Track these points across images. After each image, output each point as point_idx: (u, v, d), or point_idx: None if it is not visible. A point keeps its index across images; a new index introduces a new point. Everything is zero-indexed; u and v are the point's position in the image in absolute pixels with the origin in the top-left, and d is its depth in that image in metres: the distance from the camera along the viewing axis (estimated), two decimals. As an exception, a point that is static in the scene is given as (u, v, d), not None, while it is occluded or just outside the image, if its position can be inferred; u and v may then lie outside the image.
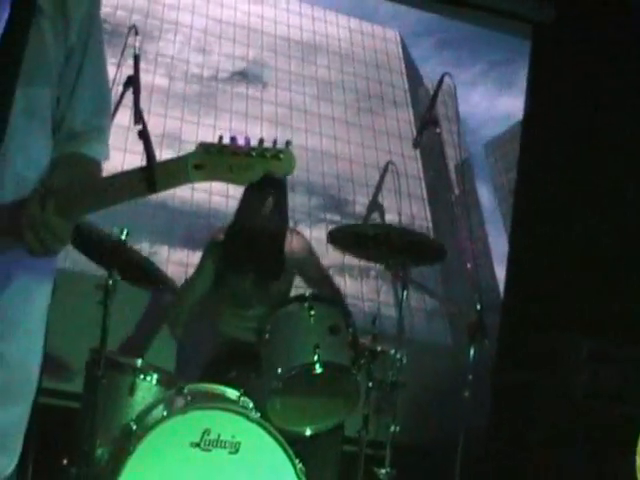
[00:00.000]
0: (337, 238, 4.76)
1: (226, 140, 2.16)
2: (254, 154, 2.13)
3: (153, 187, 2.15)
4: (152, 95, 6.15)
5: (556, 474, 5.53)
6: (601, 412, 5.42)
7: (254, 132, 5.88)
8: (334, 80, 6.97)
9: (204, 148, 2.14)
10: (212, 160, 2.13)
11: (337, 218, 6.46)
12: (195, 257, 5.49)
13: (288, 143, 2.18)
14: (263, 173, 2.15)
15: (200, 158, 2.13)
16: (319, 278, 5.16)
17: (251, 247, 4.93)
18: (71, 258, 4.64)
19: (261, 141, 2.16)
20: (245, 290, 4.97)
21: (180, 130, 6.20)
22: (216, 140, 2.16)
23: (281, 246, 5.01)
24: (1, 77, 2.23)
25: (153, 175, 2.14)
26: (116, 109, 4.05)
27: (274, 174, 2.17)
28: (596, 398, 5.51)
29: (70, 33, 2.38)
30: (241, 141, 2.16)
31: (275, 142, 2.17)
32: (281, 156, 2.15)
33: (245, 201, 4.97)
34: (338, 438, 4.66)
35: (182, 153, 2.17)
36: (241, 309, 5.01)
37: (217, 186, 6.02)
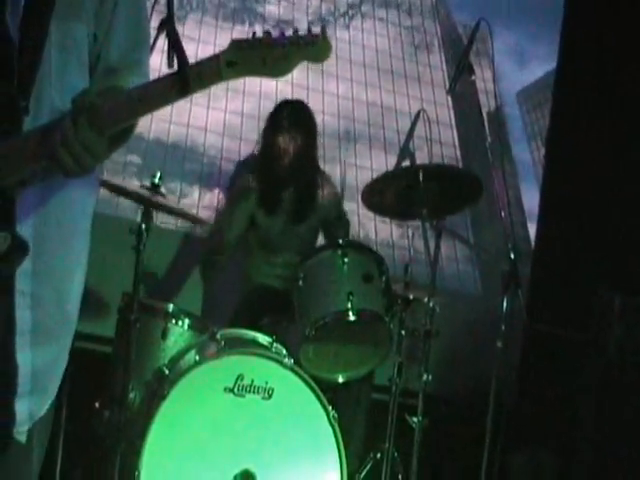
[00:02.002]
0: (369, 197, 4.67)
1: (259, 35, 2.10)
2: (288, 42, 2.06)
3: (187, 89, 2.09)
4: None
5: (586, 425, 5.49)
6: (633, 367, 5.36)
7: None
8: (366, 26, 6.87)
9: (236, 44, 2.07)
10: (245, 55, 2.06)
11: (367, 164, 6.39)
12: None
13: (323, 28, 2.10)
14: (299, 61, 2.07)
15: (232, 55, 2.07)
16: (335, 221, 5.13)
17: (283, 186, 4.90)
18: (102, 201, 4.61)
19: (295, 30, 2.08)
20: (275, 233, 4.94)
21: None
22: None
23: (312, 188, 4.97)
24: (36, 11, 2.20)
25: (186, 76, 2.08)
26: (154, 44, 3.98)
27: (310, 61, 2.09)
28: (628, 353, 5.45)
29: None
30: (275, 33, 2.09)
31: (309, 29, 2.10)
32: (317, 41, 2.06)
33: (271, 143, 4.91)
34: (369, 385, 4.66)
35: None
36: (271, 254, 4.99)
37: (248, 133, 5.98)
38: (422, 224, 5.37)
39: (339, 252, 4.28)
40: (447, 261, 6.30)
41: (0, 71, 2.17)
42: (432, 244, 4.69)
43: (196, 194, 5.89)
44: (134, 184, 4.61)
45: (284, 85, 5.72)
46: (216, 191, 5.99)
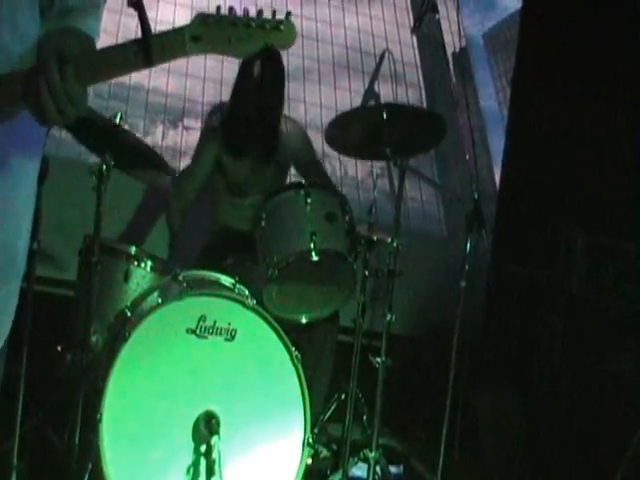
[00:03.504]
0: (333, 134, 4.65)
1: (224, 11, 2.08)
2: (253, 25, 2.06)
3: (150, 60, 2.08)
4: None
5: (550, 363, 5.55)
6: (596, 304, 5.41)
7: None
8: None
9: (201, 19, 2.07)
10: (210, 31, 2.06)
11: (332, 104, 6.36)
12: (189, 139, 5.44)
13: (288, 14, 2.10)
14: (263, 45, 2.08)
15: (197, 30, 2.06)
16: (311, 165, 5.12)
17: (248, 129, 4.87)
18: (63, 144, 4.56)
19: (260, 12, 2.09)
20: (242, 176, 4.92)
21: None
22: (214, 11, 2.08)
23: (276, 130, 4.95)
24: None
25: (149, 47, 2.07)
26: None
27: (274, 46, 2.09)
28: (591, 290, 5.50)
29: None
30: (240, 12, 2.08)
31: (274, 13, 2.09)
32: (281, 27, 2.07)
33: (241, 78, 4.88)
34: (334, 326, 4.67)
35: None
36: (237, 197, 4.98)
37: (211, 72, 5.94)
38: (387, 164, 5.36)
39: (302, 192, 4.27)
40: (412, 202, 6.30)
41: None
42: (397, 184, 4.67)
43: (160, 132, 5.85)
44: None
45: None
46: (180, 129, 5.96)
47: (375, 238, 4.48)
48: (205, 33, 2.06)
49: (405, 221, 5.18)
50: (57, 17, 2.35)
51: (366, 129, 4.48)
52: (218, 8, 2.08)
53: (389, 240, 4.44)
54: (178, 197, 4.97)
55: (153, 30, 2.12)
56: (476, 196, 4.58)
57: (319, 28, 6.39)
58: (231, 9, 2.08)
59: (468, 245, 4.50)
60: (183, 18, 2.10)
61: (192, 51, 2.08)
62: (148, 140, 5.47)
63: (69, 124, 2.13)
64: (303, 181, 4.43)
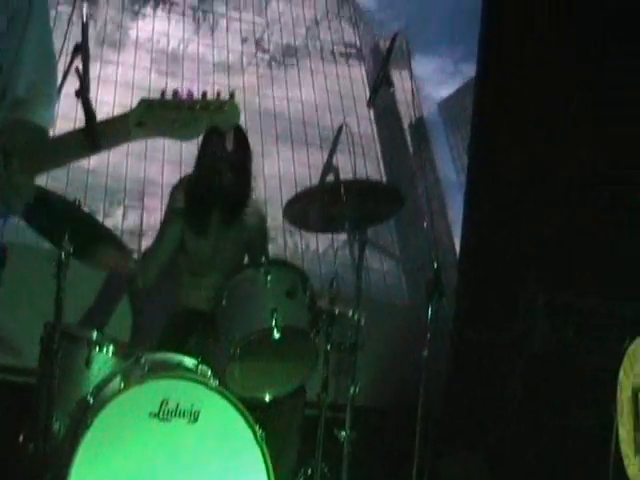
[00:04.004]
0: (292, 211, 4.71)
1: (168, 95, 2.12)
2: (197, 107, 2.10)
3: (95, 146, 2.12)
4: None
5: (513, 424, 5.57)
6: (558, 362, 5.45)
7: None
8: (285, 41, 6.91)
9: (146, 104, 2.11)
10: (154, 116, 2.10)
11: (291, 180, 6.42)
12: (149, 220, 5.45)
13: (232, 95, 2.14)
14: (207, 127, 2.11)
15: (142, 115, 2.10)
16: (260, 247, 5.12)
17: (214, 204, 4.88)
18: (22, 230, 4.58)
19: (204, 94, 2.13)
20: (204, 255, 4.93)
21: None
22: (159, 96, 2.13)
23: (241, 204, 4.96)
24: None
25: (95, 134, 2.11)
26: (64, 78, 3.97)
27: (218, 127, 2.13)
28: (555, 349, 5.54)
29: None
30: (184, 95, 2.11)
31: (219, 94, 2.13)
32: (225, 108, 2.11)
33: (204, 149, 4.89)
34: (300, 402, 4.66)
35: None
36: (199, 277, 4.98)
37: (170, 153, 5.99)
38: (347, 236, 5.40)
39: (261, 270, 4.30)
40: (374, 272, 6.36)
41: None
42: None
43: (119, 214, 5.88)
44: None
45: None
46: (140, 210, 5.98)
47: (337, 312, 4.50)
48: (150, 118, 2.10)
49: (367, 291, 5.21)
50: (9, 109, 2.39)
51: (324, 206, 4.54)
52: (162, 92, 2.12)
53: (351, 313, 4.47)
54: (142, 276, 4.96)
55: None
56: (436, 265, 4.62)
57: (276, 103, 6.47)
58: (175, 92, 2.12)
59: (429, 313, 4.54)
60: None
61: (137, 136, 2.13)
62: (108, 222, 5.49)
63: (18, 212, 2.16)
64: (263, 259, 4.45)
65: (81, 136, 2.12)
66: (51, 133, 2.49)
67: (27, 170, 2.12)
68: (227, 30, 6.74)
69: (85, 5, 3.90)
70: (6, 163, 2.09)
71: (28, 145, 2.19)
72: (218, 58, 6.55)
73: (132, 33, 6.64)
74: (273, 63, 6.82)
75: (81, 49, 3.85)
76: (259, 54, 6.87)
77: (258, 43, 6.92)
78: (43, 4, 2.46)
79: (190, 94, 2.12)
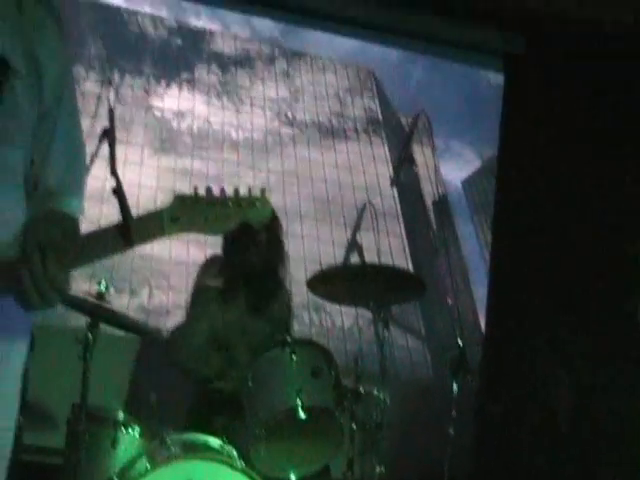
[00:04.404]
0: (316, 286, 4.76)
1: (201, 191, 2.17)
2: (230, 204, 2.15)
3: (130, 242, 2.16)
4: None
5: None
6: (587, 438, 5.42)
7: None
8: (309, 118, 7.00)
9: (180, 200, 2.15)
10: (187, 212, 2.14)
11: (316, 258, 6.46)
12: (175, 298, 5.49)
13: (263, 191, 2.18)
14: (239, 222, 2.15)
15: (176, 211, 2.15)
16: (286, 322, 5.17)
17: (247, 284, 4.93)
18: (49, 311, 4.63)
19: (236, 190, 2.17)
20: (230, 333, 4.96)
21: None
22: (191, 191, 2.17)
23: (273, 282, 5.02)
24: None
25: (129, 231, 2.16)
26: (91, 162, 4.05)
27: (250, 222, 2.17)
28: (580, 425, 5.51)
29: (44, 92, 2.39)
30: (216, 191, 2.16)
31: (250, 190, 2.18)
32: (257, 204, 2.16)
33: (236, 238, 4.95)
34: (326, 481, 4.65)
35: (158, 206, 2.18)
36: (225, 354, 4.99)
37: (195, 235, 6.03)
38: (372, 314, 5.43)
39: (287, 350, 4.31)
40: (399, 347, 6.36)
41: None
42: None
43: (146, 293, 5.93)
44: (81, 291, 4.63)
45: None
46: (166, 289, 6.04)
47: (362, 390, 4.51)
48: (183, 214, 2.15)
49: (392, 367, 5.22)
50: (42, 199, 2.44)
51: (349, 284, 4.59)
52: (195, 189, 2.17)
53: (376, 392, 4.47)
54: (173, 352, 4.99)
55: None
56: (460, 343, 4.63)
57: (300, 182, 6.55)
58: (209, 189, 2.17)
59: (454, 390, 4.54)
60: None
61: (171, 231, 2.17)
62: (134, 301, 5.54)
63: (53, 305, 2.20)
64: (288, 338, 4.47)
65: (116, 232, 2.17)
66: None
67: (62, 264, 2.16)
68: (252, 106, 6.83)
69: (112, 90, 3.98)
70: (42, 257, 2.13)
71: (63, 239, 2.23)
72: (243, 136, 6.63)
73: (157, 114, 6.74)
74: (297, 142, 6.90)
75: (108, 134, 3.93)
76: (283, 129, 6.94)
77: (282, 120, 7.00)
78: (72, 99, 2.52)
79: (223, 190, 2.17)
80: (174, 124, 6.39)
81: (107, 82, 3.89)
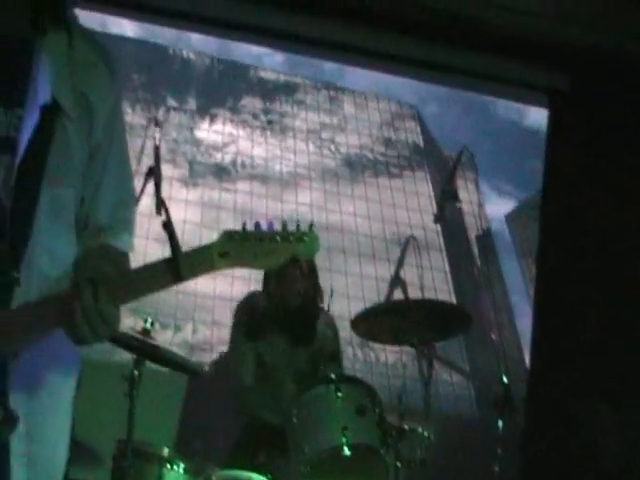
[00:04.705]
0: (360, 325, 4.77)
1: (250, 226, 2.18)
2: (278, 239, 2.15)
3: (179, 277, 2.18)
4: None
5: None
6: (633, 476, 5.35)
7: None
8: (352, 155, 7.03)
9: (228, 236, 2.17)
10: (236, 247, 2.15)
11: (359, 294, 6.46)
12: (219, 334, 5.51)
13: (311, 225, 2.19)
14: (287, 257, 2.16)
15: (224, 246, 2.16)
16: (333, 355, 5.18)
17: (288, 315, 4.96)
18: (95, 346, 4.66)
19: (284, 225, 2.18)
20: (275, 362, 4.98)
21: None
22: (239, 227, 2.19)
23: (314, 315, 5.05)
24: (27, 179, 2.27)
25: (178, 266, 2.17)
26: (138, 199, 4.09)
27: (298, 257, 2.18)
28: (627, 464, 5.45)
29: (94, 132, 2.42)
30: (264, 226, 2.17)
31: (298, 225, 2.19)
32: (305, 239, 2.16)
33: (279, 276, 4.99)
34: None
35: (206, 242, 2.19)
36: (271, 388, 5.01)
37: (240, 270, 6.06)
38: (415, 350, 5.41)
39: (332, 387, 4.30)
40: (444, 386, 6.34)
41: None
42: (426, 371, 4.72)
43: (190, 328, 5.96)
44: (126, 327, 4.67)
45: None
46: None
47: (406, 427, 4.49)
48: (232, 249, 2.16)
49: (436, 404, 5.20)
50: (92, 236, 2.47)
51: (393, 321, 4.58)
52: (244, 224, 2.19)
53: (420, 429, 4.45)
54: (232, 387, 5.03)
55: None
56: (505, 380, 4.60)
57: (344, 219, 6.56)
58: (257, 224, 2.18)
59: (499, 427, 4.50)
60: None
61: (219, 266, 2.18)
62: (178, 337, 5.56)
63: (105, 340, 2.22)
64: (333, 375, 4.47)
65: (166, 267, 2.19)
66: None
67: (113, 299, 2.18)
68: (295, 138, 6.87)
69: (158, 130, 4.04)
70: (94, 291, 2.15)
71: (114, 274, 2.26)
72: (286, 169, 6.67)
73: (201, 147, 6.79)
74: (340, 176, 6.92)
75: (154, 172, 3.99)
76: (325, 162, 6.97)
77: (324, 153, 7.03)
78: (121, 138, 2.56)
79: (271, 225, 2.18)
80: (218, 157, 6.44)
81: (153, 120, 3.95)
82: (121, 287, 2.22)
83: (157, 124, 4.08)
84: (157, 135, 4.02)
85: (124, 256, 2.52)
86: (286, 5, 5.40)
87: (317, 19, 5.57)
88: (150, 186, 4.03)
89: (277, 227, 2.19)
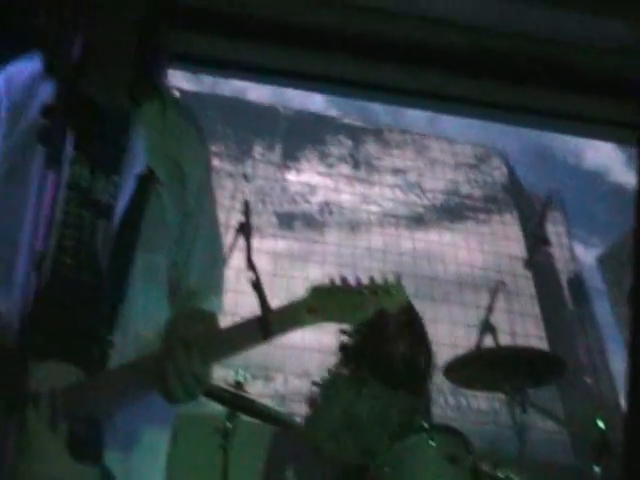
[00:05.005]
0: (451, 373, 4.76)
1: (337, 281, 2.21)
2: (365, 292, 2.17)
3: (268, 335, 2.22)
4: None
5: None
6: None
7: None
8: (439, 199, 7.03)
9: (316, 291, 2.20)
10: (323, 303, 2.19)
11: (449, 340, 6.44)
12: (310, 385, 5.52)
13: (398, 278, 2.21)
14: (375, 310, 2.17)
15: (312, 302, 2.19)
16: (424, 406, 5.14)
17: (377, 370, 4.95)
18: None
19: (371, 278, 2.20)
20: (366, 416, 4.96)
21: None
22: (327, 282, 2.21)
23: (410, 368, 5.02)
24: (122, 244, 2.37)
25: (268, 323, 2.21)
26: (228, 255, 4.14)
27: (386, 310, 2.19)
28: None
29: (186, 199, 2.51)
30: (352, 281, 2.20)
31: (385, 278, 2.21)
32: (392, 291, 2.18)
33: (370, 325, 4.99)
34: None
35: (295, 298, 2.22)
36: (358, 433, 4.99)
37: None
38: (508, 397, 5.37)
39: (424, 436, 4.29)
40: (537, 429, 6.25)
41: (88, 305, 2.33)
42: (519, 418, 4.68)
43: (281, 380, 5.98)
44: (218, 379, 4.72)
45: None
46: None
47: (500, 475, 4.45)
48: (320, 305, 2.19)
49: (531, 450, 5.12)
50: (183, 299, 2.55)
51: (484, 369, 4.57)
52: (332, 279, 2.22)
53: (514, 477, 4.41)
54: (310, 440, 5.02)
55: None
56: (602, 425, 4.54)
57: (432, 266, 6.56)
58: (344, 279, 2.21)
59: (597, 474, 4.44)
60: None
61: (308, 323, 2.22)
62: (269, 387, 5.59)
63: (196, 398, 2.27)
64: (425, 425, 4.45)
65: (255, 326, 2.23)
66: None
67: (205, 358, 2.23)
68: (380, 185, 6.91)
69: (247, 185, 4.09)
70: (186, 352, 2.20)
71: (205, 335, 2.32)
72: (375, 217, 6.70)
73: (289, 198, 6.86)
74: (427, 221, 6.93)
75: (244, 227, 4.03)
76: (412, 207, 6.98)
77: (410, 199, 7.05)
78: (212, 202, 2.63)
79: (358, 280, 2.21)
80: (305, 206, 6.50)
81: (242, 176, 3.99)
82: (212, 347, 2.28)
83: (246, 179, 4.13)
84: (246, 190, 4.07)
85: (214, 317, 2.58)
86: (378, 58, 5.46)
87: (406, 69, 5.61)
88: (240, 241, 4.08)
89: (364, 281, 2.21)
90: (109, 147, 2.45)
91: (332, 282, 2.22)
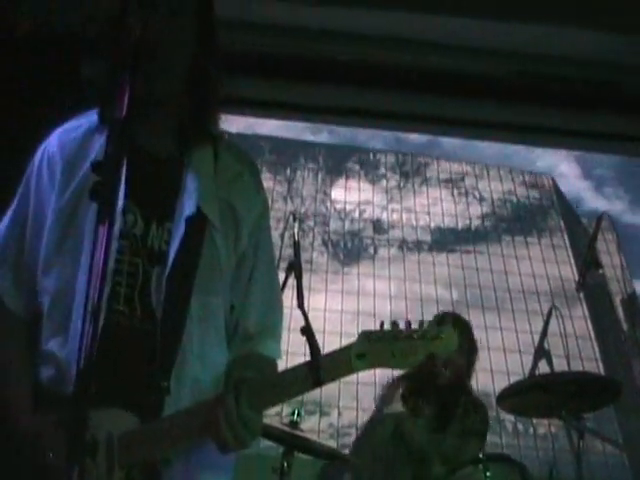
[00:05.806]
0: (506, 402, 4.73)
1: (387, 326, 2.20)
2: (415, 337, 2.14)
3: (319, 381, 2.22)
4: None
5: None
6: None
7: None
8: (489, 225, 7.02)
9: (365, 336, 2.19)
10: (373, 348, 2.16)
11: (503, 367, 6.41)
12: (364, 418, 5.51)
13: (449, 322, 2.19)
14: (425, 355, 2.15)
15: (362, 347, 2.17)
16: (481, 436, 5.12)
17: (432, 401, 4.94)
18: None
19: (421, 323, 2.17)
20: (419, 445, 4.95)
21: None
22: (377, 327, 2.21)
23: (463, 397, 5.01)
24: (178, 288, 2.38)
25: (318, 370, 2.20)
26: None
27: (437, 354, 2.17)
28: None
29: (241, 241, 2.51)
30: (402, 325, 2.19)
31: (437, 322, 2.18)
32: (442, 336, 2.13)
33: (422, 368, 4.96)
34: None
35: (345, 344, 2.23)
36: (414, 467, 4.98)
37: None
38: (564, 423, 5.34)
39: (480, 467, 4.28)
40: (595, 453, 6.20)
41: (144, 352, 2.34)
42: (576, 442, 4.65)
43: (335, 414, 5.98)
44: (274, 413, 4.74)
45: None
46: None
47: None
48: (369, 350, 2.17)
49: (589, 474, 5.10)
50: (241, 343, 2.55)
51: (539, 395, 4.55)
52: (382, 324, 2.21)
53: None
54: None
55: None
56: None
57: (484, 293, 6.54)
58: (394, 323, 2.20)
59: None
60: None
61: (358, 368, 2.20)
62: (324, 421, 5.59)
63: (248, 446, 2.28)
64: (481, 455, 4.44)
65: (306, 372, 2.22)
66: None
67: (256, 407, 2.24)
68: (426, 213, 6.91)
69: (296, 225, 4.11)
70: (236, 398, 2.21)
71: (256, 381, 2.32)
72: (421, 230, 6.69)
73: (336, 226, 6.86)
74: (476, 244, 6.91)
75: (294, 267, 4.04)
76: (460, 234, 6.97)
77: (461, 225, 7.03)
78: (268, 244, 2.64)
79: (408, 324, 2.19)
80: (355, 242, 6.49)
81: (291, 215, 4.01)
82: (262, 393, 2.28)
83: (295, 218, 4.16)
84: (296, 230, 4.10)
85: (269, 361, 2.57)
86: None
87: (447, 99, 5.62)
88: (291, 279, 4.09)
89: (414, 325, 2.19)
90: (161, 194, 2.47)
91: (382, 327, 2.20)
